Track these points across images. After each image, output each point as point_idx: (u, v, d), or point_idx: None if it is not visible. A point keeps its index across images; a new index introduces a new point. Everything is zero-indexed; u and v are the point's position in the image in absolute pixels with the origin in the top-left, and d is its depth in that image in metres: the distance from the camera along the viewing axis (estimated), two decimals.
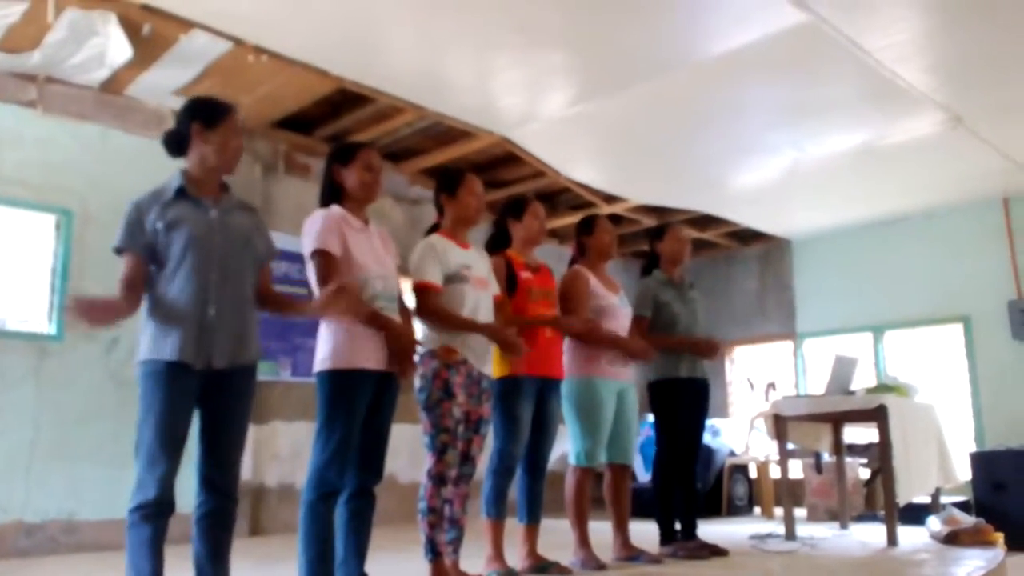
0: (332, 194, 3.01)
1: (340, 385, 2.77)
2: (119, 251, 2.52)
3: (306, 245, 2.83)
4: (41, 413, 4.95)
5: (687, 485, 4.40)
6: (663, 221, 5.19)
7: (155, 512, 2.38)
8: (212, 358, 2.50)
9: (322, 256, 2.80)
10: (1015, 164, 6.56)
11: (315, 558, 2.70)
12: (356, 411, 2.77)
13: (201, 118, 2.59)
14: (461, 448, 3.22)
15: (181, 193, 2.54)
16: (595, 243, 4.18)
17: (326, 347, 2.82)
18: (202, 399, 2.51)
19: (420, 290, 3.20)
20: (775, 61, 4.82)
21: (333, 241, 2.82)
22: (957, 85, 5.20)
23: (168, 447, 2.41)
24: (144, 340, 2.49)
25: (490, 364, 3.35)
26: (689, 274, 4.77)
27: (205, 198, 2.59)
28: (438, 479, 3.16)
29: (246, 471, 5.50)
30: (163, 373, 2.43)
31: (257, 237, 2.71)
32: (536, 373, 3.60)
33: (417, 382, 3.20)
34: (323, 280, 2.76)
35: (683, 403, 4.34)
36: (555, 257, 6.67)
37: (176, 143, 2.62)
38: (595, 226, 4.21)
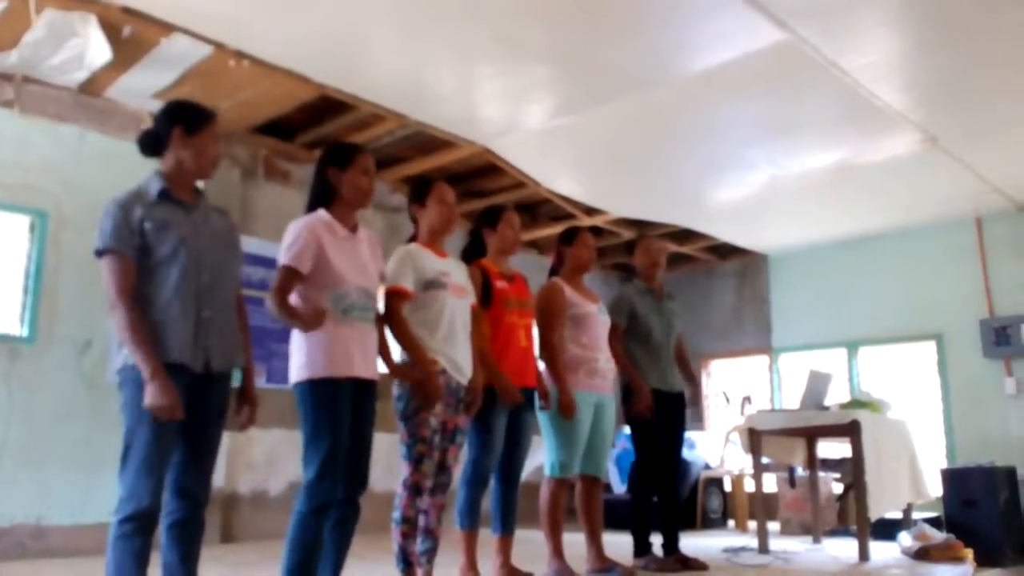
0: (323, 197, 2.93)
1: (321, 395, 2.73)
2: (104, 252, 2.40)
3: (281, 252, 2.80)
4: (11, 416, 4.87)
5: (668, 499, 4.41)
6: (637, 234, 5.22)
7: (146, 524, 2.33)
8: (210, 360, 2.48)
9: (287, 272, 2.76)
10: (988, 185, 6.67)
11: (298, 567, 2.66)
12: (341, 419, 2.73)
13: (183, 122, 2.56)
14: (437, 458, 3.21)
15: (163, 195, 2.51)
16: (574, 255, 4.19)
17: (300, 356, 2.78)
18: (188, 404, 2.43)
19: (390, 295, 3.17)
20: (754, 79, 4.86)
21: (306, 259, 2.77)
22: (933, 106, 5.28)
23: (163, 455, 2.37)
24: None
25: (467, 375, 3.35)
26: (668, 286, 4.77)
27: (184, 201, 2.57)
28: (414, 489, 3.15)
29: (218, 478, 5.43)
30: None
31: (236, 240, 2.71)
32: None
33: (395, 391, 3.18)
34: (277, 292, 2.72)
35: (656, 414, 4.32)
36: (535, 267, 6.70)
37: (153, 144, 2.58)
38: (576, 238, 4.22)
